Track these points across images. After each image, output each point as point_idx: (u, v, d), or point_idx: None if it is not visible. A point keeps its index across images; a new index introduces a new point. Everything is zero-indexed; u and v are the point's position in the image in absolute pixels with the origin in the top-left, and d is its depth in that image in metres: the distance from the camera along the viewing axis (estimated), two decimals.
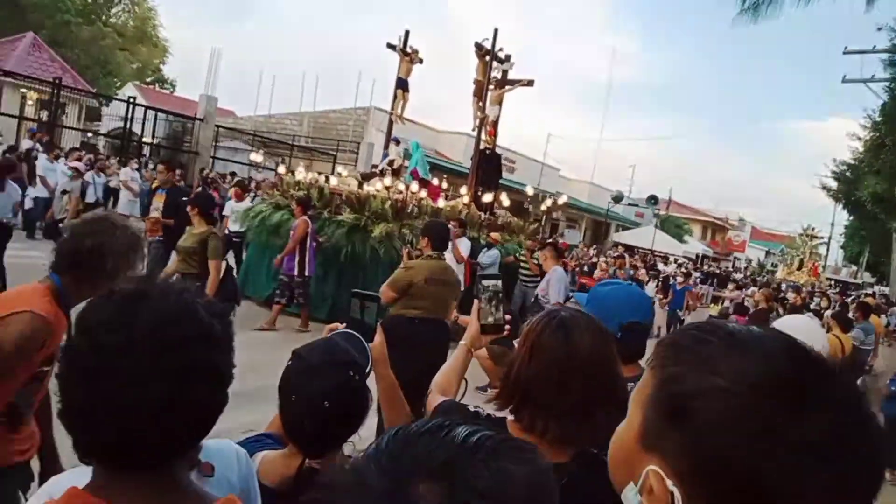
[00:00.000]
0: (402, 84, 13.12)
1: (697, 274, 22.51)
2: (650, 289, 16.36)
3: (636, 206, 46.78)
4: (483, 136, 12.53)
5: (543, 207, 13.51)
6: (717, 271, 31.59)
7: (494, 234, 10.80)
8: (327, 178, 10.30)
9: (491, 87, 13.20)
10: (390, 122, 13.14)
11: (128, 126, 24.68)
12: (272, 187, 11.67)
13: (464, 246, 9.41)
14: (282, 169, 10.96)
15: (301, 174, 10.49)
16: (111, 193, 18.85)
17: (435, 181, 12.30)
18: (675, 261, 34.43)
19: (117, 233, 2.20)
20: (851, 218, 37.93)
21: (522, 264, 11.54)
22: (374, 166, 11.97)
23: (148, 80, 41.29)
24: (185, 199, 8.34)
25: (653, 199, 32.19)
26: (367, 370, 1.64)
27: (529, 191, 13.94)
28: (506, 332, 1.96)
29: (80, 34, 34.05)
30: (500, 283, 2.00)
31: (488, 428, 0.65)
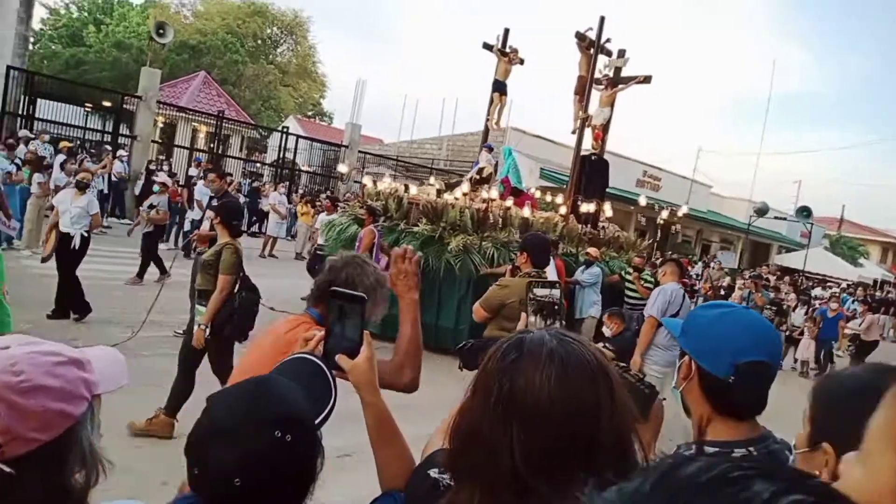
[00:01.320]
0: (498, 87, 11.85)
1: (853, 300, 18.94)
2: (798, 316, 13.85)
3: (797, 222, 42.26)
4: (589, 141, 10.96)
5: (660, 220, 11.62)
6: (891, 296, 26.92)
7: (592, 250, 9.25)
8: (407, 188, 9.28)
9: (601, 86, 11.63)
10: (486, 129, 11.94)
11: (283, 154, 25.99)
12: (354, 198, 10.88)
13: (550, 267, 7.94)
14: (367, 180, 10.09)
15: (383, 184, 9.55)
16: (263, 216, 19.82)
17: (536, 192, 10.91)
18: (847, 286, 30.13)
19: (367, 269, 2.35)
20: None
21: (628, 284, 9.85)
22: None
23: (308, 113, 43.17)
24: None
25: (805, 212, 28.00)
26: (323, 415, 1.20)
27: (642, 201, 12.09)
28: None
29: (245, 72, 36.16)
30: (557, 292, 1.70)
31: (799, 481, 0.47)
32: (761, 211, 27.27)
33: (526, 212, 9.08)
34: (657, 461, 0.54)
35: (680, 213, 12.07)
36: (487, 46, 11.83)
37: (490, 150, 10.62)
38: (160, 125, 27.66)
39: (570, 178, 10.93)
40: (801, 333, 12.96)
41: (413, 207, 8.95)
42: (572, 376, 0.96)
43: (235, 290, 4.88)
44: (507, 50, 11.76)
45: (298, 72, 41.68)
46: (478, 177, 10.05)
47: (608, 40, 11.16)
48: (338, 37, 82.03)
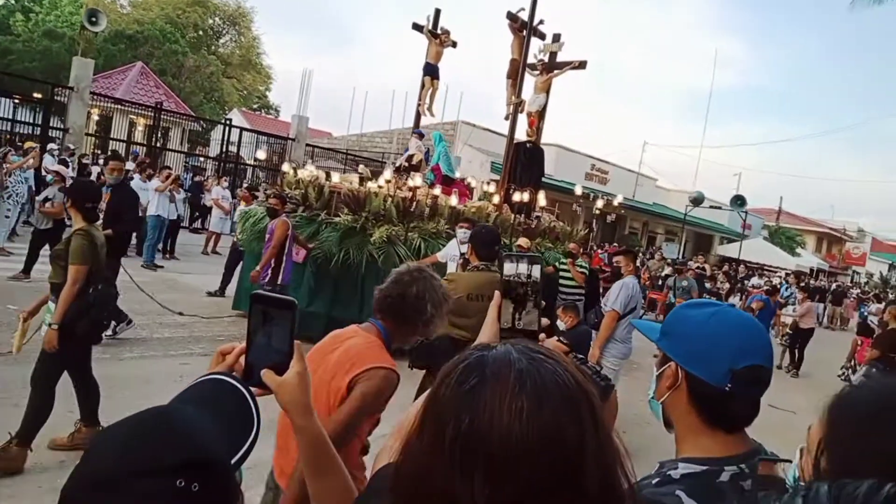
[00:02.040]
0: (430, 70, 11.21)
1: (787, 287, 18.94)
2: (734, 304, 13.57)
3: (731, 210, 42.91)
4: (524, 127, 10.44)
5: (596, 210, 11.17)
6: (823, 285, 27.35)
7: (523, 241, 8.72)
8: (328, 175, 8.59)
9: (536, 72, 11.12)
10: (417, 115, 11.31)
11: (226, 148, 25.16)
12: (271, 186, 10.13)
13: (448, 250, 7.37)
14: (286, 167, 9.34)
15: (304, 171, 8.84)
16: (206, 211, 18.93)
17: (471, 180, 10.34)
18: (786, 275, 30.63)
19: (435, 283, 2.33)
20: None
21: (563, 273, 9.38)
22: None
23: (254, 106, 41.85)
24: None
25: (739, 200, 28.19)
26: (241, 453, 0.93)
27: (578, 190, 11.64)
28: (540, 342, 1.18)
29: (186, 63, 34.77)
30: (536, 267, 1.27)
31: None
32: (697, 200, 27.38)
33: (453, 200, 8.50)
34: None
35: (616, 202, 11.67)
36: (417, 27, 11.16)
37: (420, 136, 10.00)
38: (95, 117, 26.31)
39: (502, 166, 10.40)
40: None
41: (335, 196, 8.27)
42: (548, 406, 0.74)
43: (95, 284, 4.22)
44: (439, 31, 11.15)
45: (242, 63, 40.34)
46: (406, 164, 9.43)
47: (541, 22, 10.64)
48: (284, 28, 79.83)
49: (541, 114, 11.08)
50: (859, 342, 11.67)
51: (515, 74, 10.39)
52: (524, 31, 10.32)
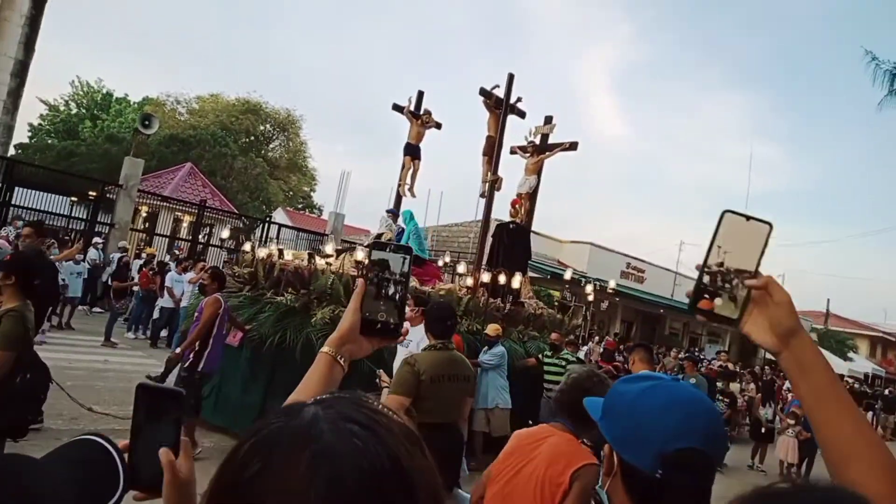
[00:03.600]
0: (410, 150, 10.50)
1: None
2: (768, 411, 11.88)
3: None
4: (498, 205, 9.49)
5: (590, 296, 9.87)
6: (868, 391, 24.49)
7: (491, 327, 7.55)
8: (281, 253, 7.71)
9: (527, 154, 10.27)
10: (398, 196, 10.50)
11: (265, 243, 25.37)
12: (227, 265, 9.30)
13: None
14: (247, 246, 8.54)
15: (263, 251, 8.00)
16: None
17: (448, 261, 9.29)
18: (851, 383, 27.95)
19: (608, 383, 2.31)
20: None
21: (547, 367, 8.11)
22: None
23: (298, 205, 42.48)
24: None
25: None
26: None
27: (567, 275, 10.44)
28: (399, 339, 1.24)
29: (234, 165, 35.70)
30: (405, 258, 1.12)
31: None
32: None
33: (410, 282, 7.46)
34: None
35: (609, 288, 10.39)
36: (397, 108, 10.59)
37: (394, 216, 9.15)
38: (143, 214, 26.84)
39: (477, 247, 9.40)
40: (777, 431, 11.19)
41: (282, 274, 7.36)
42: (351, 495, 0.55)
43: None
44: (421, 112, 10.52)
45: (289, 166, 41.26)
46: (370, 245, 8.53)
47: (518, 100, 9.91)
48: (332, 133, 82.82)
49: (532, 196, 10.15)
50: None
51: (491, 151, 9.57)
52: (500, 109, 9.58)
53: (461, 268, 8.90)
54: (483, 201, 9.42)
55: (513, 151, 10.71)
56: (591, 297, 9.91)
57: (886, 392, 26.35)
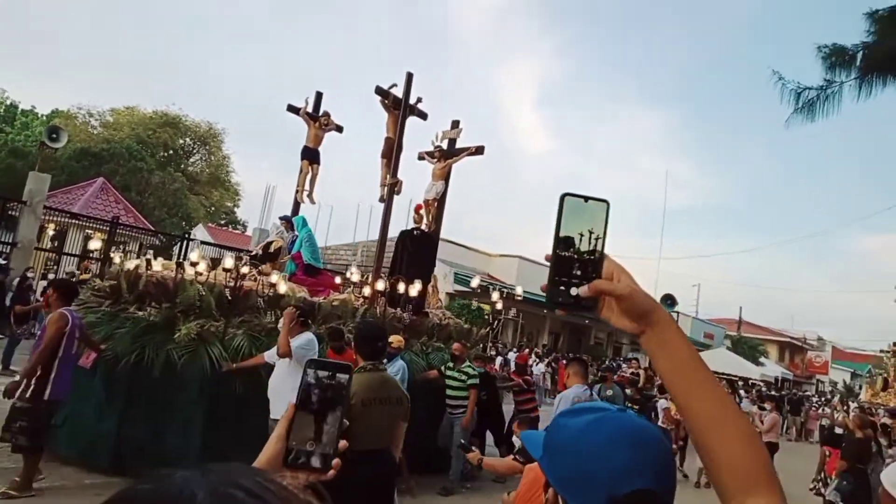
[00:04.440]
0: (307, 154, 9.71)
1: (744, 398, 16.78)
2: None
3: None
4: (400, 209, 8.79)
5: (498, 305, 9.31)
6: (775, 394, 24.96)
7: (393, 338, 6.80)
8: (149, 263, 6.74)
9: (434, 159, 9.64)
10: (295, 203, 9.67)
11: (182, 261, 23.68)
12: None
13: (297, 343, 5.52)
14: (116, 255, 7.50)
15: (132, 261, 6.99)
16: None
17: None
18: (751, 385, 28.58)
19: None
20: None
21: (449, 381, 7.41)
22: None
23: (221, 221, 40.67)
24: None
25: (668, 300, 26.37)
26: None
27: (474, 283, 9.86)
28: (330, 473, 0.96)
29: (151, 180, 33.83)
30: (344, 376, 0.97)
31: None
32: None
33: (294, 289, 6.64)
34: None
35: (516, 296, 9.83)
36: (292, 109, 9.79)
37: (289, 223, 8.32)
38: (50, 232, 24.77)
39: (376, 254, 8.67)
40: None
41: (148, 286, 6.39)
42: None
43: None
44: (319, 115, 9.74)
45: (210, 180, 39.47)
46: (261, 252, 7.66)
47: (419, 100, 9.29)
48: (257, 147, 79.82)
49: (440, 203, 9.50)
50: (828, 453, 10.40)
51: (390, 154, 8.88)
52: (398, 109, 8.92)
53: (355, 276, 8.12)
54: (382, 206, 8.68)
55: (420, 157, 10.07)
56: (499, 306, 9.34)
57: (789, 395, 27.03)
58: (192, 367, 5.85)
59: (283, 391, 5.54)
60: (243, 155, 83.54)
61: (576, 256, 0.88)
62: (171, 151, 38.42)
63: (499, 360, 14.87)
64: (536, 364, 22.67)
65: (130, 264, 7.03)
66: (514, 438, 5.83)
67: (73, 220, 24.30)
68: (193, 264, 6.27)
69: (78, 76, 68.93)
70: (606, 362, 26.81)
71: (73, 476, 5.80)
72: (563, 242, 0.88)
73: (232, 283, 6.30)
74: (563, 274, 0.87)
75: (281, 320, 5.87)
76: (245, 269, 6.47)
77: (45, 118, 35.93)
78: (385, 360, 6.97)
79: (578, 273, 0.87)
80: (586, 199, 0.89)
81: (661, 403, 10.53)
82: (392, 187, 8.56)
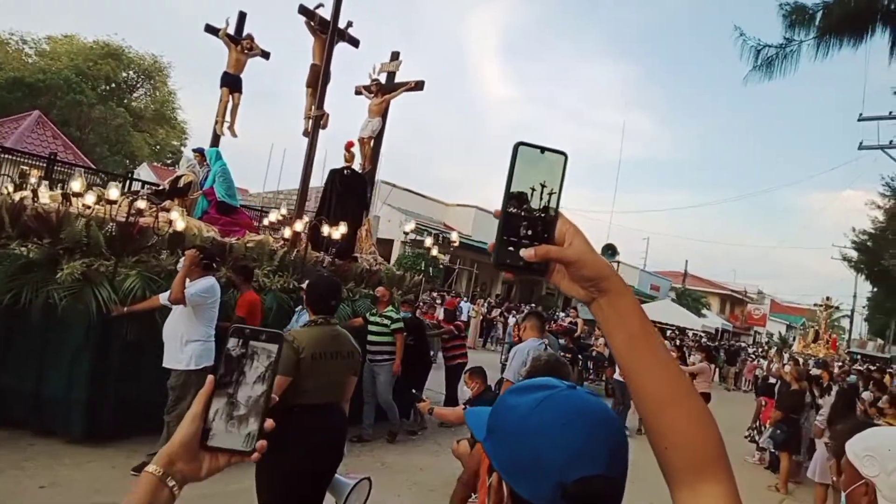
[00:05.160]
0: (227, 81, 8.82)
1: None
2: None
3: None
4: (332, 148, 8.06)
5: (432, 250, 8.75)
6: (708, 343, 25.44)
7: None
8: (35, 194, 5.95)
9: (371, 94, 8.89)
10: (214, 136, 8.86)
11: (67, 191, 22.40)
12: None
13: (195, 288, 4.91)
14: (4, 189, 6.62)
15: (21, 193, 6.16)
16: None
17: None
18: (693, 335, 29.13)
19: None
20: (875, 290, 32.45)
21: (372, 327, 6.92)
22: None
23: (168, 160, 38.81)
24: None
25: (609, 250, 26.39)
26: None
27: (408, 227, 9.26)
28: (254, 456, 0.88)
29: (91, 114, 31.83)
30: (273, 346, 0.89)
31: None
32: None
33: (202, 228, 5.96)
34: None
35: (452, 242, 9.32)
36: (211, 30, 8.84)
37: (201, 154, 7.54)
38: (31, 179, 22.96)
39: (298, 193, 8.00)
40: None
41: (30, 220, 5.62)
42: None
43: None
44: (241, 38, 8.83)
45: (155, 117, 37.42)
46: (167, 187, 6.91)
47: (349, 24, 8.46)
48: (201, 81, 75.62)
49: (377, 140, 8.80)
50: (763, 402, 10.77)
51: (316, 82, 8.07)
52: (325, 33, 8.08)
53: (272, 216, 7.43)
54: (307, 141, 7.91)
55: (357, 91, 9.30)
56: (434, 252, 8.82)
57: (727, 345, 27.61)
58: (77, 311, 5.18)
59: (176, 339, 4.97)
60: (192, 91, 79.24)
61: (527, 214, 0.79)
62: (113, 85, 36.17)
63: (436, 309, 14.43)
64: (494, 311, 22.60)
65: (17, 196, 6.21)
66: (463, 386, 5.63)
67: (6, 156, 22.76)
68: (76, 195, 5.50)
69: None
70: (557, 313, 26.85)
71: None
72: (514, 198, 0.79)
73: (123, 220, 5.58)
74: (512, 233, 0.79)
75: (180, 261, 5.23)
76: (142, 204, 5.74)
77: None
78: (300, 307, 6.43)
79: (529, 233, 0.79)
80: (542, 149, 0.80)
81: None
82: (318, 120, 7.79)
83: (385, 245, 22.66)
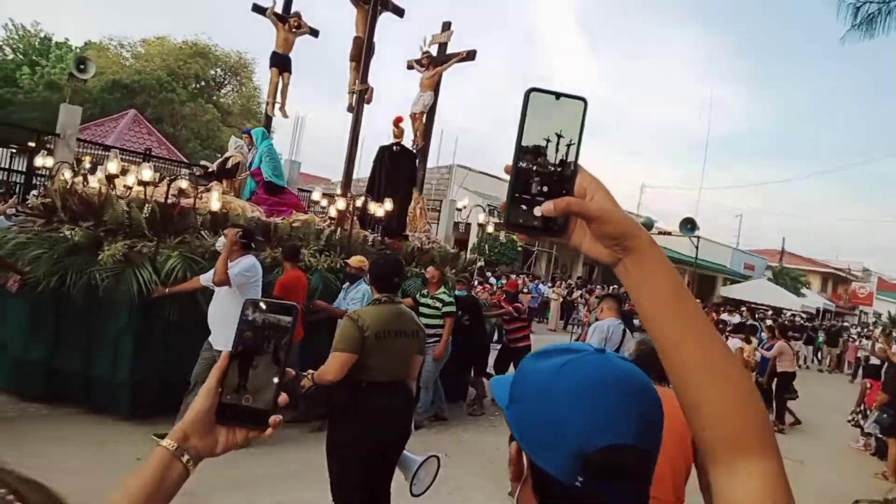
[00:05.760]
0: (276, 61, 8.66)
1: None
2: None
3: (682, 236, 39.79)
4: (380, 124, 7.74)
5: (464, 212, 8.12)
6: (803, 323, 23.35)
7: (355, 259, 6.01)
8: (86, 178, 6.03)
9: (422, 67, 8.55)
10: (266, 118, 8.77)
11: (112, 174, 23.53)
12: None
13: (237, 268, 4.80)
14: (67, 173, 6.76)
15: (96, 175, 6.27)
16: None
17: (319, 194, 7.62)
18: (792, 315, 27.28)
19: None
20: None
21: (423, 309, 6.63)
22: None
23: None
24: None
25: (689, 224, 24.31)
26: None
27: (481, 218, 8.65)
28: (268, 431, 0.85)
29: (182, 111, 33.38)
30: (287, 318, 0.86)
31: None
32: (646, 226, 23.84)
33: (246, 208, 5.84)
34: None
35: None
36: (258, 9, 8.70)
37: (249, 136, 7.46)
38: (87, 165, 24.59)
39: (344, 170, 7.76)
40: None
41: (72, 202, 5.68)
42: None
43: None
44: (289, 16, 8.67)
45: (242, 112, 38.75)
46: (213, 169, 6.86)
47: None
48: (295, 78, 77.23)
49: (429, 115, 8.47)
50: (868, 385, 10.12)
51: (359, 55, 7.80)
52: (368, 3, 7.76)
53: (315, 195, 7.24)
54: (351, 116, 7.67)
55: (409, 66, 8.98)
56: (489, 228, 8.35)
57: (828, 325, 25.49)
58: (119, 292, 5.18)
59: (224, 321, 4.87)
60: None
61: (542, 168, 0.70)
62: (202, 83, 37.72)
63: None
64: (574, 293, 21.96)
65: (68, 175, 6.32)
66: None
67: (107, 153, 24.15)
68: (112, 177, 5.49)
69: (109, 5, 67.90)
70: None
71: (8, 404, 5.33)
72: (527, 151, 0.71)
73: (164, 200, 5.53)
74: (526, 190, 0.70)
75: (218, 241, 5.13)
76: (183, 185, 5.68)
77: (78, 50, 35.54)
78: (347, 284, 6.23)
79: (544, 189, 0.70)
80: (558, 95, 0.71)
81: (732, 344, 9.84)
82: (361, 94, 7.54)
83: (463, 231, 22.43)
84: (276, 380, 0.84)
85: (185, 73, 35.84)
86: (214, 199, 5.52)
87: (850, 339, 22.36)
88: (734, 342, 9.93)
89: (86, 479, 3.69)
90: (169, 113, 33.37)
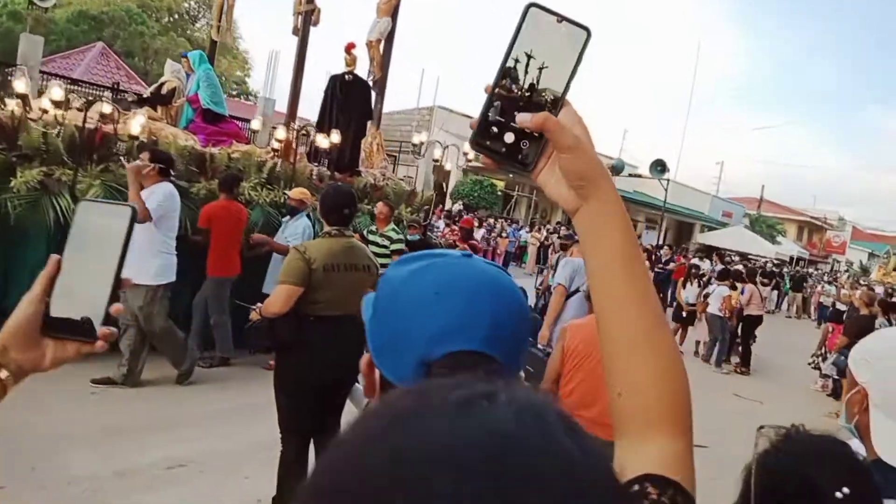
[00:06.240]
0: None
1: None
2: (690, 292, 10.63)
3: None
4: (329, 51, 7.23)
5: (421, 146, 7.75)
6: (768, 268, 23.35)
7: (297, 191, 5.66)
8: (2, 101, 5.57)
9: None
10: (211, 42, 8.25)
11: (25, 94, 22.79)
12: None
13: (154, 198, 4.45)
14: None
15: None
16: None
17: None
18: (764, 262, 27.41)
19: None
20: None
21: (372, 247, 6.32)
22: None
23: (233, 91, 38.91)
24: None
25: (659, 166, 24.03)
26: None
27: (418, 139, 8.33)
28: (99, 344, 0.76)
29: (153, 45, 32.04)
30: (123, 222, 0.77)
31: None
32: (616, 168, 23.62)
33: (179, 136, 5.44)
34: None
35: (463, 152, 8.40)
36: None
37: (188, 59, 6.96)
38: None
39: (289, 99, 7.32)
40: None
41: None
42: None
43: None
44: None
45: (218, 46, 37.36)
46: (149, 94, 6.40)
47: None
48: (261, 7, 73.67)
49: (387, 44, 7.96)
50: (830, 329, 10.48)
51: None
52: None
53: (255, 123, 6.81)
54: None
55: None
56: (447, 167, 7.98)
57: (795, 272, 25.62)
58: (34, 222, 4.82)
59: (135, 254, 4.54)
60: (250, 19, 78.37)
61: (525, 94, 0.64)
62: (175, 16, 36.15)
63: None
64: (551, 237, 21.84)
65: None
66: None
67: (75, 87, 23.16)
68: (20, 96, 5.05)
69: None
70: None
71: None
72: (512, 72, 0.63)
73: (83, 125, 5.11)
74: (503, 112, 0.63)
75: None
76: (107, 109, 5.25)
77: None
78: (287, 218, 5.91)
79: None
80: (560, 18, 0.63)
81: (720, 290, 9.87)
82: (307, 15, 7.03)
83: (442, 173, 22.06)
84: (109, 288, 0.76)
85: (158, 6, 34.27)
86: (135, 124, 5.11)
87: (815, 284, 22.58)
88: (721, 289, 10.06)
89: None
90: (140, 47, 32.04)
